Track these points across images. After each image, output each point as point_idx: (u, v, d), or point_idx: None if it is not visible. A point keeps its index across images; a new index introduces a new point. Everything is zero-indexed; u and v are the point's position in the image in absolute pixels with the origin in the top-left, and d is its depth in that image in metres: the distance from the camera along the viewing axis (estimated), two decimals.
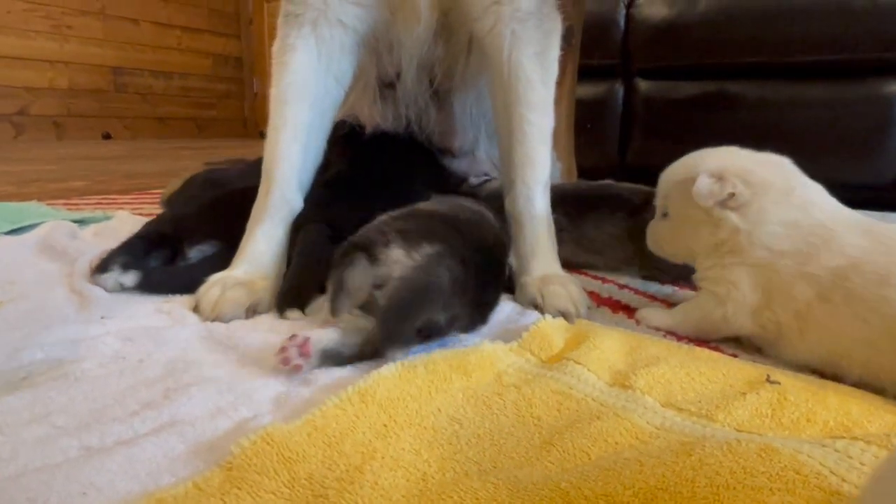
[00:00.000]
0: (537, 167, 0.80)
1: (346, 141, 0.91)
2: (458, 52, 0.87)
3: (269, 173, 0.77)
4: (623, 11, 1.92)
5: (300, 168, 0.79)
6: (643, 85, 1.96)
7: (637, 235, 0.89)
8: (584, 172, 1.72)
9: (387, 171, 0.84)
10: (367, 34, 0.80)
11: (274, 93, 0.78)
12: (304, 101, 0.77)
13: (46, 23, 3.74)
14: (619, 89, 2.00)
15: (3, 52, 3.56)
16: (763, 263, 0.62)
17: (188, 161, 2.69)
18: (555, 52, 0.81)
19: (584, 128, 1.84)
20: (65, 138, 3.91)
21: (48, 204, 1.40)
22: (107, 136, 4.14)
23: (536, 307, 0.75)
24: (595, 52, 1.92)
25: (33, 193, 1.61)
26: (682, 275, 0.88)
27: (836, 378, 0.58)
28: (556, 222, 0.89)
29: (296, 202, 0.79)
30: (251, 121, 4.97)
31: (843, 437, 0.41)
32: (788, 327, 0.61)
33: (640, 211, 0.91)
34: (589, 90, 1.97)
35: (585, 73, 1.88)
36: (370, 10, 0.77)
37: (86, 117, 4.02)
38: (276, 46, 0.79)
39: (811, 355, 0.60)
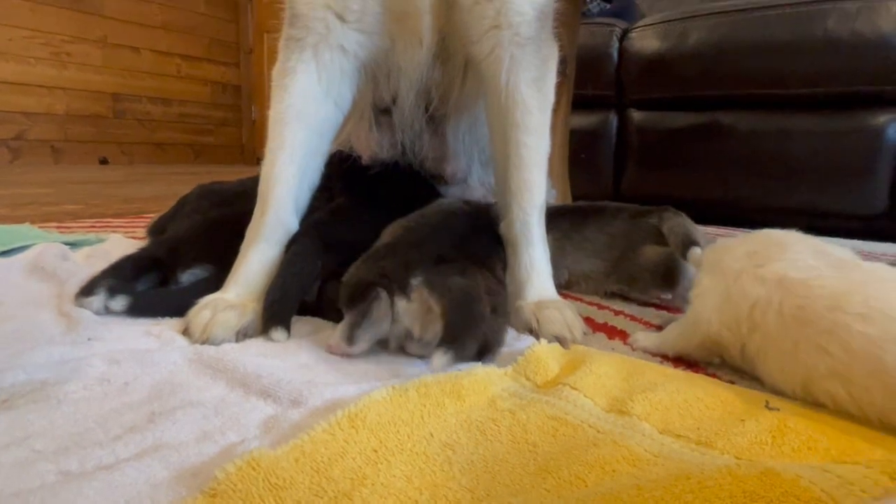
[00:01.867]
0: (533, 192, 0.80)
1: (349, 175, 0.91)
2: (455, 77, 0.87)
3: (265, 195, 0.77)
4: (616, 44, 1.97)
5: (296, 190, 0.78)
6: (636, 115, 1.99)
7: (629, 240, 0.90)
8: (578, 201, 1.73)
9: (389, 205, 0.84)
10: (367, 60, 0.81)
11: (273, 115, 0.78)
12: (302, 124, 0.77)
13: (46, 50, 3.78)
14: (613, 119, 2.03)
15: (2, 77, 3.60)
16: (715, 255, 0.68)
17: (184, 186, 2.69)
18: (552, 78, 0.82)
19: (579, 157, 1.86)
20: (61, 163, 3.92)
21: (41, 226, 1.39)
22: (104, 162, 4.15)
23: (532, 332, 0.74)
24: (589, 83, 1.96)
25: (26, 216, 1.60)
26: (645, 288, 0.91)
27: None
28: (560, 228, 0.90)
29: (291, 224, 0.78)
30: (248, 147, 5.00)
31: (845, 463, 0.40)
32: (753, 345, 0.60)
33: (642, 215, 0.92)
34: (584, 120, 2.00)
35: (580, 104, 1.91)
36: (372, 36, 0.78)
37: (83, 142, 4.04)
38: (276, 69, 0.79)
39: (782, 383, 0.58)
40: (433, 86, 0.87)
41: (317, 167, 0.81)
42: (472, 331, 0.60)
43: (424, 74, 0.84)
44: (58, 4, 3.81)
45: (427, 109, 0.90)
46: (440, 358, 0.57)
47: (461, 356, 0.59)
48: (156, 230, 1.15)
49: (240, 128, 5.00)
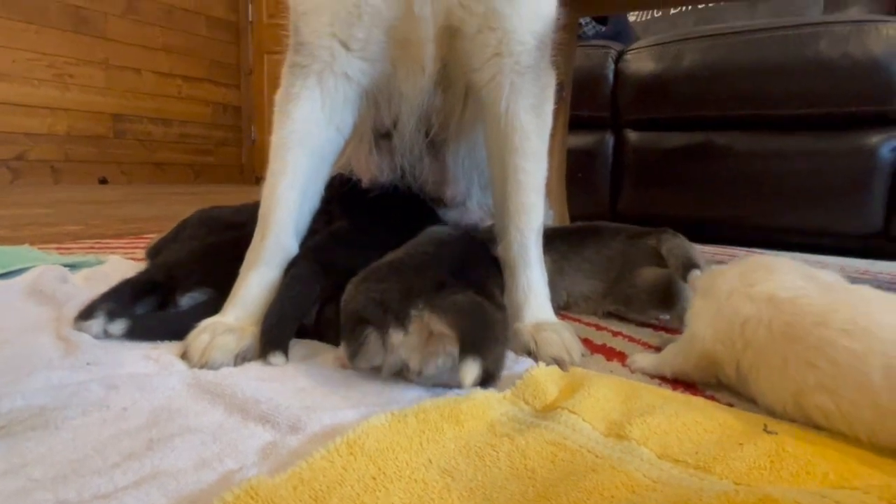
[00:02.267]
0: (531, 215, 0.81)
1: (349, 198, 0.92)
2: (455, 103, 0.89)
3: (266, 218, 0.78)
4: (612, 66, 1.99)
5: (297, 214, 0.79)
6: (632, 136, 2.01)
7: (627, 261, 0.91)
8: (576, 220, 1.74)
9: (388, 228, 0.85)
10: (369, 86, 0.82)
11: (275, 140, 0.79)
12: (305, 150, 0.78)
13: (50, 71, 3.82)
14: (610, 140, 2.05)
15: (5, 98, 3.63)
16: (708, 279, 0.71)
17: (183, 206, 2.71)
18: (550, 104, 0.83)
19: (576, 177, 1.87)
20: (61, 183, 3.94)
21: (40, 248, 1.39)
22: (103, 181, 4.17)
23: (530, 354, 0.74)
24: (586, 104, 1.99)
25: (26, 237, 1.61)
26: (642, 308, 0.93)
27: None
28: (558, 250, 0.91)
29: (291, 247, 0.79)
30: (248, 167, 5.03)
31: (843, 488, 0.40)
32: (746, 362, 0.62)
33: (640, 236, 0.93)
34: (580, 140, 2.02)
35: (577, 125, 1.93)
36: (375, 63, 0.79)
37: (83, 162, 4.06)
38: (279, 95, 0.80)
39: (773, 400, 0.59)
40: (434, 111, 0.88)
41: (317, 191, 0.82)
42: (491, 335, 0.59)
43: (425, 100, 0.85)
44: (61, 27, 3.87)
45: (427, 134, 0.91)
46: (470, 369, 0.53)
47: (488, 363, 0.56)
48: (155, 252, 1.15)
49: (239, 148, 5.04)
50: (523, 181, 0.81)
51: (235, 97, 4.96)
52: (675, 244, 0.88)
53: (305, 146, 0.78)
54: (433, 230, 0.81)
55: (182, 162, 4.65)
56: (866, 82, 1.63)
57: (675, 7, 2.46)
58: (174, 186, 4.31)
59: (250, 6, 4.76)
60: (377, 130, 0.94)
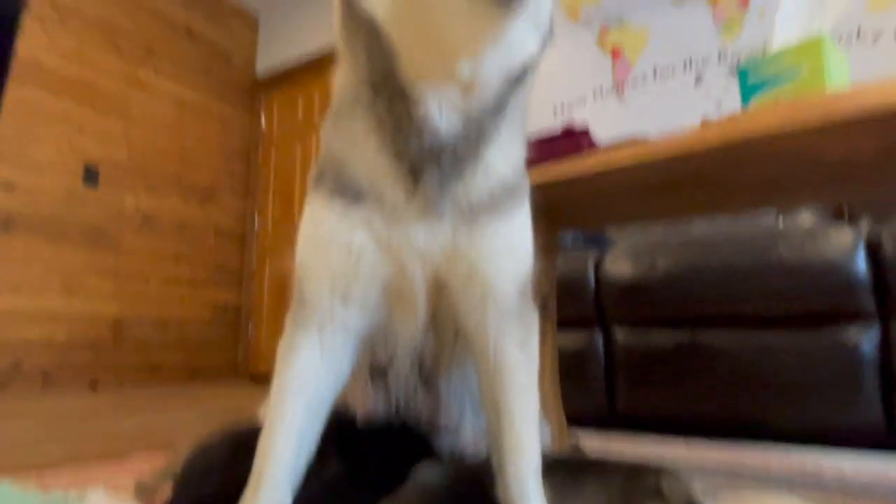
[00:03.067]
0: (528, 453, 0.82)
1: (343, 437, 0.93)
2: (447, 341, 0.95)
3: (261, 472, 0.78)
4: (592, 271, 2.14)
5: (293, 461, 0.80)
6: (620, 335, 2.08)
7: (628, 499, 0.88)
8: (574, 421, 1.72)
9: (383, 469, 0.85)
10: (366, 333, 0.88)
11: (275, 387, 0.82)
12: (303, 397, 0.81)
13: (59, 283, 3.98)
14: (599, 339, 2.12)
15: (9, 308, 3.71)
16: None
17: (176, 412, 2.65)
18: (535, 339, 0.89)
19: (569, 377, 1.90)
20: (50, 389, 3.86)
21: (21, 476, 1.34)
22: (93, 387, 4.10)
23: None
24: (573, 306, 2.09)
25: (4, 465, 1.55)
26: None
27: None
28: (558, 482, 0.89)
29: (285, 499, 0.78)
30: (243, 365, 5.01)
31: None
32: None
33: (639, 474, 0.92)
34: (571, 342, 2.08)
35: (566, 324, 2.01)
36: (372, 313, 0.86)
37: (77, 368, 4.03)
38: (282, 343, 0.85)
39: None
40: (427, 349, 0.94)
41: (314, 438, 0.83)
42: None
43: (419, 341, 0.91)
44: (75, 243, 4.11)
45: (421, 369, 0.96)
46: None
47: None
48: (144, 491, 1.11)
49: (236, 346, 5.08)
50: (516, 415, 0.83)
51: (235, 298, 5.13)
52: (675, 483, 0.88)
53: (303, 394, 0.82)
54: (421, 476, 0.81)
55: (177, 362, 4.63)
56: (825, 282, 1.75)
57: (644, 222, 2.71)
58: (168, 387, 4.24)
59: (256, 218, 5.18)
60: (374, 369, 0.98)
